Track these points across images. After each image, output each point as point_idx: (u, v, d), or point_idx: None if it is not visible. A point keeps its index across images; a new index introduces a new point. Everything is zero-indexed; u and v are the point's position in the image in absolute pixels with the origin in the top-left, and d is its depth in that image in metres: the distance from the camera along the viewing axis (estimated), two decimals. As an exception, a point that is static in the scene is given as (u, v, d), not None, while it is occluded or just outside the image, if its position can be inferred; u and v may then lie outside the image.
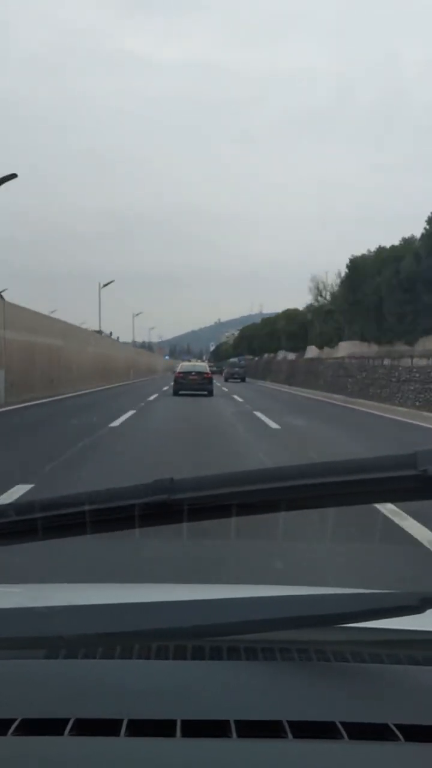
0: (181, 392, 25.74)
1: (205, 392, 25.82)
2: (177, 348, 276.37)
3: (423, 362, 24.76)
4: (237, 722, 0.70)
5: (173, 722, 0.70)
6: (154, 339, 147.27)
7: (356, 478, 0.83)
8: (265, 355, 71.85)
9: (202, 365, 30.94)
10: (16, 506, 0.89)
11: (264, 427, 13.60)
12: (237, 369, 57.67)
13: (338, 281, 44.71)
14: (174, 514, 0.86)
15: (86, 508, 0.86)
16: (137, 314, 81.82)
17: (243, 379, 54.91)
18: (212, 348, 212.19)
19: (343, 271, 40.39)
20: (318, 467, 0.87)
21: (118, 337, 59.53)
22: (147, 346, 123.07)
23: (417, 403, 21.36)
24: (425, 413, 18.14)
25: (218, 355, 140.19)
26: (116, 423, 13.60)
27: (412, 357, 26.30)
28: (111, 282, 53.98)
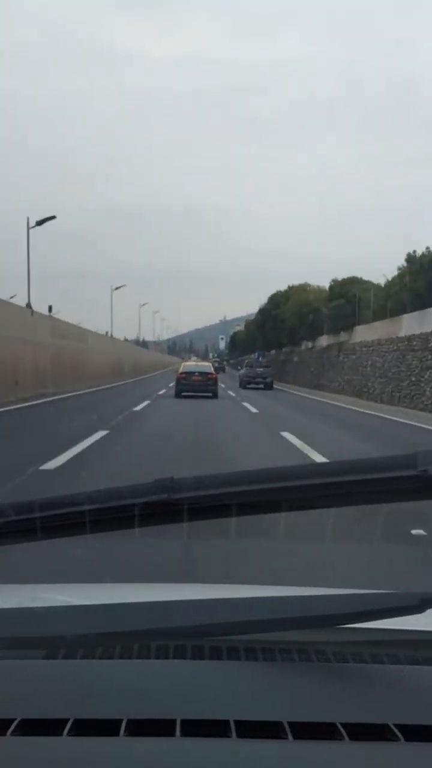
0: (183, 394, 24.29)
1: (209, 394, 24.63)
2: (177, 345, 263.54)
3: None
4: (237, 722, 0.70)
5: (173, 722, 0.70)
6: (149, 337, 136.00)
7: (356, 478, 0.83)
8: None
9: (206, 365, 29.60)
10: (15, 506, 0.89)
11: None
12: (260, 370, 37.94)
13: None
14: (174, 514, 0.86)
15: (86, 507, 0.86)
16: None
17: (270, 386, 35.65)
18: (222, 341, 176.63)
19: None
20: (318, 468, 0.87)
21: (107, 332, 52.88)
22: (142, 344, 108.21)
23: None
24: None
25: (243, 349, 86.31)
26: (51, 465, 7.42)
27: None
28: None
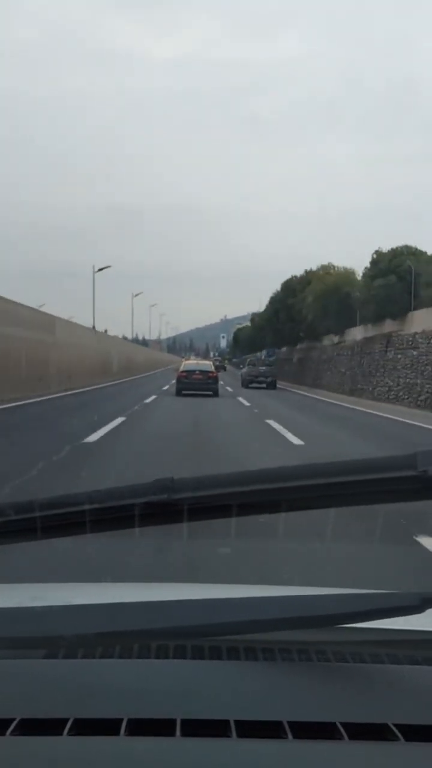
0: (184, 392, 24.26)
1: (210, 392, 24.62)
2: (177, 344, 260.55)
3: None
4: (237, 722, 0.70)
5: (173, 722, 0.70)
6: (148, 335, 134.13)
7: (356, 478, 0.83)
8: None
9: (207, 363, 29.49)
10: (15, 505, 0.88)
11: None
12: (262, 368, 35.38)
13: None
14: (174, 514, 0.86)
15: (86, 507, 0.86)
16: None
17: (273, 386, 33.72)
18: (224, 339, 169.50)
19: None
20: (318, 468, 0.86)
21: (105, 330, 48.91)
22: (142, 343, 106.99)
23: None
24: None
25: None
26: None
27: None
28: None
